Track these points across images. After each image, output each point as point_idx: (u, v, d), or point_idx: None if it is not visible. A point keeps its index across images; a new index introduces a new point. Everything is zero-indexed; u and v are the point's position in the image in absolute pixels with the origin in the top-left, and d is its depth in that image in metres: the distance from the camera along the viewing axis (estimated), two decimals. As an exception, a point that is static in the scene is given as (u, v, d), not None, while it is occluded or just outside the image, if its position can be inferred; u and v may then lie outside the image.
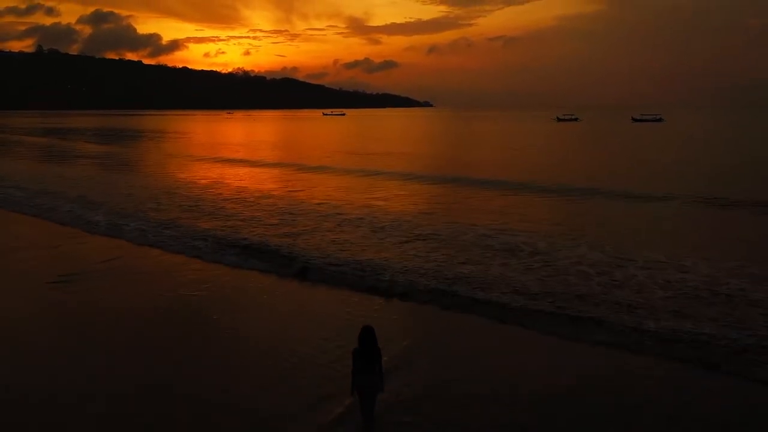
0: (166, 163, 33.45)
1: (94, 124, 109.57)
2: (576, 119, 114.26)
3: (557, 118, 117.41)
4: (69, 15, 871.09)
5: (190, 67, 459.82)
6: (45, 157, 39.23)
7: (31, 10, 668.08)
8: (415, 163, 32.28)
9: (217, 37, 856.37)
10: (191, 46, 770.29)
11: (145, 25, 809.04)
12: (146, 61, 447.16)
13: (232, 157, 35.05)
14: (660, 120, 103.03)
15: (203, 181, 24.74)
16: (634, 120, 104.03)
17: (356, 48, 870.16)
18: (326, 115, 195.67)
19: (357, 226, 15.18)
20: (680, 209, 17.90)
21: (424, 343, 8.14)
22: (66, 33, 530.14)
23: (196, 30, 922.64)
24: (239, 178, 25.90)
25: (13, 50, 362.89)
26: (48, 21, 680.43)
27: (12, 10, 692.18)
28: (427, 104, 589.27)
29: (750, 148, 42.41)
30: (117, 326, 8.78)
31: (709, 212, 17.46)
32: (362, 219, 16.10)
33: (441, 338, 8.45)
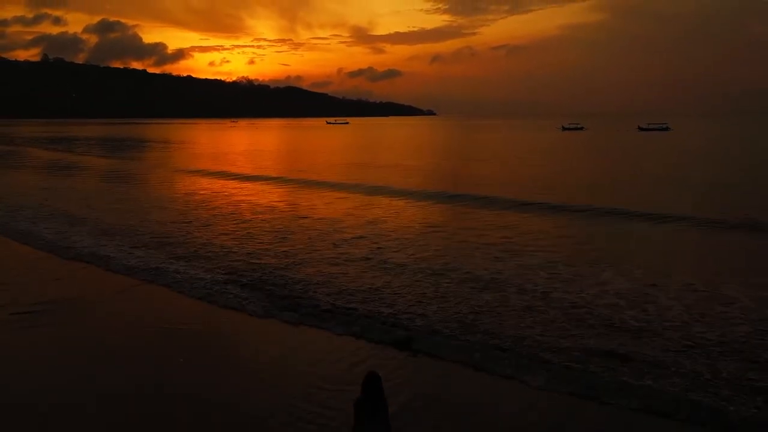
0: (165, 178, 32.46)
1: (97, 133, 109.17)
2: (581, 128, 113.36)
3: (562, 127, 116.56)
4: (75, 24, 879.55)
5: (194, 75, 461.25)
6: (47, 170, 38.37)
7: (38, 19, 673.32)
8: (420, 177, 30.21)
9: (221, 46, 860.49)
10: (196, 54, 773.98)
11: (151, 34, 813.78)
12: (151, 70, 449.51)
13: (233, 171, 32.47)
14: (666, 129, 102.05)
15: (204, 199, 23.75)
16: (641, 129, 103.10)
17: (360, 57, 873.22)
18: (330, 123, 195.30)
19: (366, 261, 13.57)
20: (706, 230, 16.33)
21: (433, 395, 7.00)
22: (72, 42, 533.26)
23: (201, 39, 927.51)
24: (236, 193, 24.50)
25: (19, 59, 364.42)
26: (55, 30, 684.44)
27: (19, 20, 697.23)
28: (430, 113, 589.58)
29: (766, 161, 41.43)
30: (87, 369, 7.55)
31: (736, 233, 15.95)
32: (365, 241, 15.06)
33: (453, 390, 7.13)
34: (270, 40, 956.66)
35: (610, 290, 10.62)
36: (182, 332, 8.91)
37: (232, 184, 26.44)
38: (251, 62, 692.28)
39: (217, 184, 26.82)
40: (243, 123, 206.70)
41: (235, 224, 17.00)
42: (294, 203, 20.79)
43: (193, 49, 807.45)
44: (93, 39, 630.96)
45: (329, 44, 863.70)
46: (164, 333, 8.87)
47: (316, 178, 28.64)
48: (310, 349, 8.29)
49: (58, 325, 9.15)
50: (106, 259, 12.75)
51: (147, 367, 7.66)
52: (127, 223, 17.08)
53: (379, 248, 13.88)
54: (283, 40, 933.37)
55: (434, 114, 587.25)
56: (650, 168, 35.29)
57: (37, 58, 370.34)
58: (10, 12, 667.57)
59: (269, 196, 22.85)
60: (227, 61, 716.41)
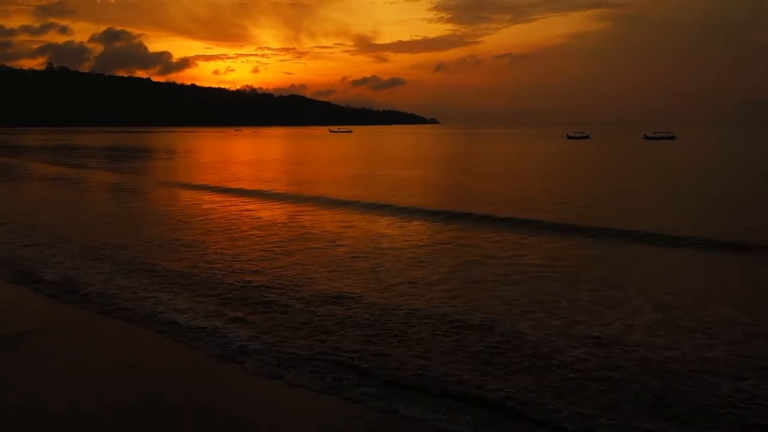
0: (159, 191, 31.36)
1: (100, 142, 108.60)
2: (587, 137, 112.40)
3: (567, 136, 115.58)
4: (81, 33, 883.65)
5: (198, 84, 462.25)
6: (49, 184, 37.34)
7: (44, 28, 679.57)
8: (425, 191, 27.88)
9: (225, 54, 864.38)
10: (200, 63, 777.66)
11: (156, 43, 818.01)
12: (156, 79, 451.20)
13: (232, 187, 29.50)
14: (672, 138, 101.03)
15: (198, 214, 22.58)
16: (647, 138, 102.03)
17: (363, 66, 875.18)
18: (333, 132, 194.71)
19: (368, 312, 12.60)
20: (733, 253, 14.70)
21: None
22: (78, 51, 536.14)
23: (205, 48, 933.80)
24: (233, 209, 23.40)
25: (23, 68, 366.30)
26: (61, 39, 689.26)
27: (26, 29, 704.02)
28: (433, 121, 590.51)
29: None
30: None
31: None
32: (366, 264, 13.89)
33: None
34: (274, 49, 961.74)
35: (639, 323, 9.40)
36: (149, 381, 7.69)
37: (230, 201, 24.45)
38: (255, 71, 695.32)
39: (215, 199, 24.99)
40: (246, 131, 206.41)
41: (228, 242, 15.78)
42: (293, 222, 19.06)
43: (198, 57, 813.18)
44: (99, 48, 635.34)
45: (333, 53, 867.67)
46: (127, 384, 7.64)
47: (318, 193, 26.47)
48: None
49: None
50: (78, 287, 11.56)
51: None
52: (113, 240, 15.93)
53: (378, 269, 12.67)
54: (286, 49, 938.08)
55: (437, 122, 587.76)
56: (663, 181, 33.56)
57: (42, 67, 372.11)
58: (17, 21, 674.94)
59: (267, 212, 21.14)
60: (231, 70, 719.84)
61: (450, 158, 58.96)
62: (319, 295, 10.86)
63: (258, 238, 16.20)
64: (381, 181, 32.87)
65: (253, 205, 23.04)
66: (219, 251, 14.53)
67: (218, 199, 25.11)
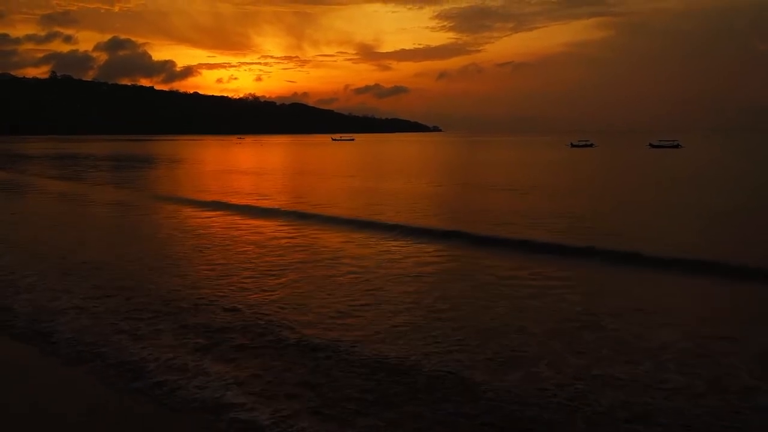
0: (157, 207, 30.34)
1: (100, 150, 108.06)
2: (591, 145, 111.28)
3: (571, 144, 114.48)
4: (86, 42, 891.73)
5: (201, 92, 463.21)
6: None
7: (50, 37, 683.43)
8: (431, 209, 25.06)
9: (228, 63, 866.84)
10: (204, 72, 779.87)
11: (160, 52, 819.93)
12: (160, 87, 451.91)
13: (230, 201, 27.36)
14: (677, 146, 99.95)
15: (189, 232, 21.57)
16: (652, 146, 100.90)
17: (366, 74, 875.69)
18: (335, 140, 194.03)
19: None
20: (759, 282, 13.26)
21: None
22: (83, 60, 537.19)
23: (208, 56, 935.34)
24: (228, 227, 22.40)
25: (27, 76, 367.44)
26: (66, 48, 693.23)
27: (32, 38, 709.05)
28: (435, 129, 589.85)
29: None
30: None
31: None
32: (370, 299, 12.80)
33: None
34: (276, 58, 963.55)
35: (671, 359, 8.37)
36: None
37: (225, 218, 22.70)
38: (258, 79, 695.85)
39: (210, 215, 23.47)
40: (249, 140, 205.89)
41: (218, 266, 14.79)
42: (292, 243, 17.53)
43: (201, 66, 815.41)
44: (103, 56, 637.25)
45: (335, 61, 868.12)
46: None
47: (317, 208, 24.54)
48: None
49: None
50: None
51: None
52: (96, 258, 14.97)
53: (379, 306, 11.65)
54: (289, 57, 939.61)
55: (440, 130, 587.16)
56: (673, 194, 31.68)
57: (45, 76, 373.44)
58: (23, 30, 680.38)
59: (262, 232, 19.45)
60: (235, 78, 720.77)
61: (452, 168, 57.94)
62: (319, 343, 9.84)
63: (250, 261, 15.20)
64: (381, 195, 30.88)
65: (248, 222, 21.36)
66: (211, 277, 13.55)
67: (213, 215, 23.51)
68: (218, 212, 23.93)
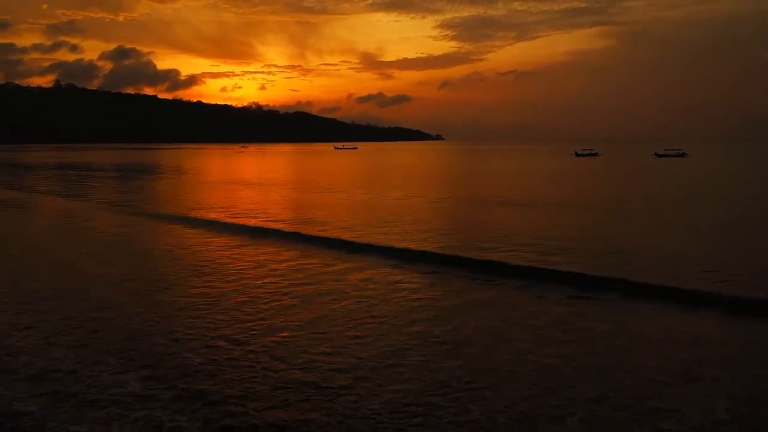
0: (144, 225, 29.25)
1: (100, 159, 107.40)
2: (596, 154, 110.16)
3: (575, 153, 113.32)
4: (92, 51, 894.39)
5: (205, 101, 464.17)
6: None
7: (56, 47, 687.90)
8: (425, 226, 22.80)
9: (232, 72, 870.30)
10: (207, 80, 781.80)
11: (165, 61, 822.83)
12: (164, 96, 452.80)
13: (228, 220, 25.14)
14: (683, 155, 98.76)
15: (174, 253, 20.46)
16: (657, 155, 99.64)
17: (369, 83, 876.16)
18: (338, 149, 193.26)
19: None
20: None
21: None
22: (88, 69, 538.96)
23: (212, 65, 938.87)
24: (214, 249, 21.32)
25: (31, 85, 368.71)
26: (71, 57, 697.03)
27: (38, 47, 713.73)
28: (438, 137, 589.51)
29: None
30: None
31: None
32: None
33: None
34: (280, 66, 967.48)
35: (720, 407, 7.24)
36: None
37: (217, 240, 20.77)
38: (262, 88, 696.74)
39: (201, 235, 21.92)
40: (252, 148, 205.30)
41: (201, 299, 13.68)
42: (288, 269, 16.02)
43: (205, 75, 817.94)
44: (108, 65, 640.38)
45: (338, 70, 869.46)
46: None
47: (316, 228, 22.22)
48: None
49: None
50: None
51: None
52: (63, 285, 13.90)
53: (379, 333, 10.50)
54: (292, 66, 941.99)
55: (442, 139, 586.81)
56: (686, 208, 29.69)
57: (50, 85, 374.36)
58: (29, 40, 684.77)
59: (256, 256, 18.05)
60: (239, 87, 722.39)
61: (455, 179, 56.83)
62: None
63: (239, 298, 14.10)
64: (382, 210, 28.58)
65: (243, 247, 19.18)
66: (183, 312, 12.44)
67: (202, 234, 22.49)
68: (216, 234, 22.34)
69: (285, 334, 10.20)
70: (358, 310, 11.70)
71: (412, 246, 18.19)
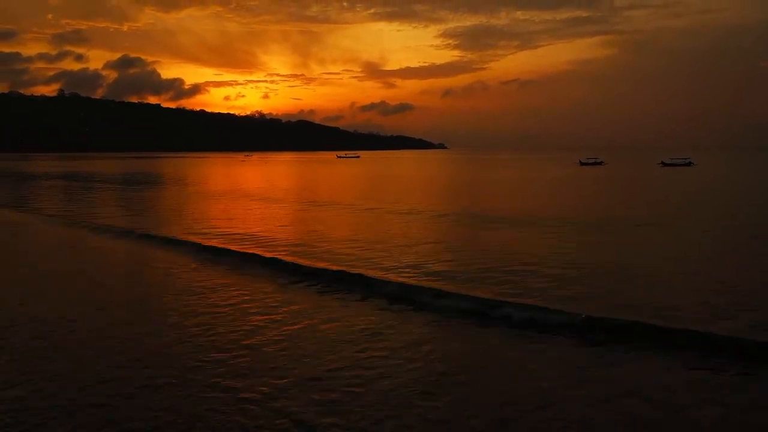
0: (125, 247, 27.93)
1: (101, 168, 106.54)
2: (600, 163, 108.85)
3: (580, 162, 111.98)
4: (97, 61, 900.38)
5: (208, 110, 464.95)
6: None
7: (61, 56, 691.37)
8: (425, 247, 19.77)
9: (235, 81, 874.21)
10: (211, 89, 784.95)
11: (169, 70, 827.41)
12: (167, 104, 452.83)
13: (219, 245, 24.03)
14: (690, 164, 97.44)
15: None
16: (664, 164, 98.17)
17: (372, 91, 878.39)
18: (340, 157, 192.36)
19: None
20: None
21: None
22: (92, 78, 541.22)
23: (215, 74, 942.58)
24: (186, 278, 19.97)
25: (35, 94, 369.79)
26: (76, 66, 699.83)
27: (43, 57, 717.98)
28: (441, 146, 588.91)
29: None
30: None
31: None
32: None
33: None
34: (283, 75, 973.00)
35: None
36: None
37: (202, 273, 18.71)
38: (265, 96, 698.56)
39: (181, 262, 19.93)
40: (255, 157, 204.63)
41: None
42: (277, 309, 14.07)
43: (209, 84, 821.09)
44: (113, 74, 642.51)
45: (341, 79, 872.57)
46: None
47: (311, 253, 19.14)
48: None
49: None
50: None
51: None
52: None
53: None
54: (295, 75, 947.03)
55: (445, 147, 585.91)
56: (706, 224, 27.13)
57: (53, 94, 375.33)
58: (34, 49, 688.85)
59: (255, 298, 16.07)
60: (242, 96, 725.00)
61: (458, 191, 55.52)
62: None
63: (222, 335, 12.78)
64: (381, 232, 24.75)
65: (224, 277, 16.41)
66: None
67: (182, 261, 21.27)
68: (198, 261, 21.03)
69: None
70: (365, 375, 10.38)
71: (412, 280, 14.71)
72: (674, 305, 12.38)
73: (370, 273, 15.27)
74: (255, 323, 11.38)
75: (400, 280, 14.64)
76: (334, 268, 15.83)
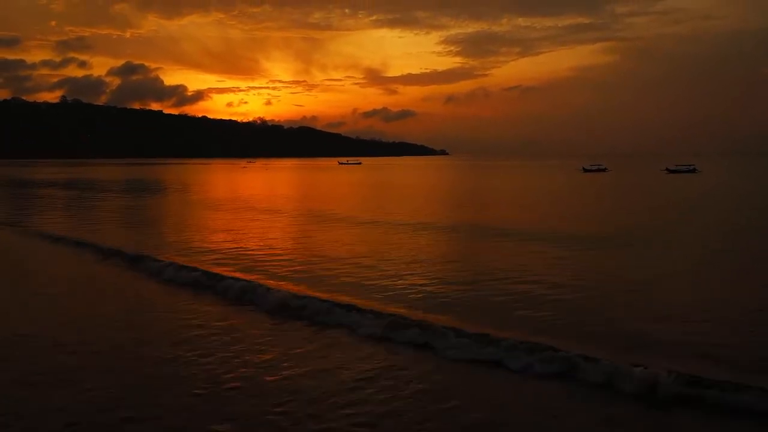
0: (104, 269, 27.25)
1: (100, 175, 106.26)
2: (604, 169, 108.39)
3: (583, 168, 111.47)
4: (100, 67, 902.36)
5: (211, 116, 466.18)
6: None
7: (65, 63, 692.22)
8: (424, 268, 17.81)
9: (237, 87, 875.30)
10: (214, 96, 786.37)
11: (172, 77, 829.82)
12: (170, 111, 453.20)
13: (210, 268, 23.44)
14: (694, 171, 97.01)
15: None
16: (669, 171, 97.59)
17: (373, 98, 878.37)
18: (342, 164, 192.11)
19: None
20: None
21: None
22: (96, 84, 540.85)
23: (218, 81, 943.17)
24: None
25: (38, 101, 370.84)
26: (80, 73, 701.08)
27: (47, 63, 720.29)
28: (443, 152, 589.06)
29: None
30: None
31: None
32: None
33: None
34: (285, 82, 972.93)
35: None
36: None
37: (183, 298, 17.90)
38: (268, 103, 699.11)
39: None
40: (257, 164, 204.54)
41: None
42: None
43: (211, 90, 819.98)
44: (116, 81, 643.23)
45: (343, 85, 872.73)
46: None
47: (305, 276, 17.31)
48: None
49: None
50: None
51: None
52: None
53: None
54: (297, 82, 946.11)
55: (447, 154, 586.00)
56: (718, 235, 25.94)
57: (56, 100, 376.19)
58: (38, 56, 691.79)
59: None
60: (244, 102, 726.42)
61: (461, 201, 54.74)
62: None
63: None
64: (379, 252, 23.16)
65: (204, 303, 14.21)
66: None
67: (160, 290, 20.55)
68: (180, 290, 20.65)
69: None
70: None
71: (439, 320, 11.85)
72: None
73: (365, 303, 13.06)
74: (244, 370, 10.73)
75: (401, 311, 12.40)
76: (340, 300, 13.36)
